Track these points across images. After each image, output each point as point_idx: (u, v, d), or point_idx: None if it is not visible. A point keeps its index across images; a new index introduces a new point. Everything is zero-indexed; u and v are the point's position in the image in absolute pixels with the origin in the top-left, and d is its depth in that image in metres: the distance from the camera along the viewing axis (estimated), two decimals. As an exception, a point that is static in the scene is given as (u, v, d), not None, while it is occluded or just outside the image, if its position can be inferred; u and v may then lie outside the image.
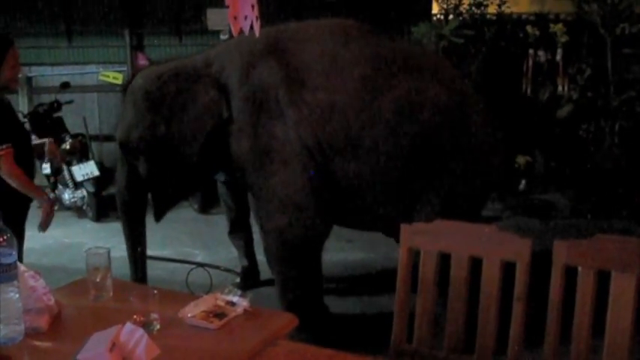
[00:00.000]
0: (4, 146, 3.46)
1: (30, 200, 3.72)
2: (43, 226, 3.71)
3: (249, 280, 5.18)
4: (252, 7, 2.61)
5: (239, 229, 5.31)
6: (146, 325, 2.11)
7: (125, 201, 4.61)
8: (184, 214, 7.58)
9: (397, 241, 4.44)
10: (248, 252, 5.32)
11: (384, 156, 3.96)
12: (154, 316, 2.19)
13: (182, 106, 4.22)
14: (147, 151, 4.34)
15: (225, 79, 4.23)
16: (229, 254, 5.73)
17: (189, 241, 6.53)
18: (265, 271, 5.12)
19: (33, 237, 6.29)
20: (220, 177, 5.32)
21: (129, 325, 2.00)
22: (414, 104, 3.96)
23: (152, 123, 4.27)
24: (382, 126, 3.94)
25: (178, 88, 4.25)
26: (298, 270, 4.21)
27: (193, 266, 4.75)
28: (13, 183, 3.45)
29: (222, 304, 2.33)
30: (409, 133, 3.94)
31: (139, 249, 4.61)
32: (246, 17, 2.61)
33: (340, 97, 3.98)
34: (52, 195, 4.10)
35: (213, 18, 7.43)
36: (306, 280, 4.25)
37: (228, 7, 2.60)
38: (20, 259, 2.37)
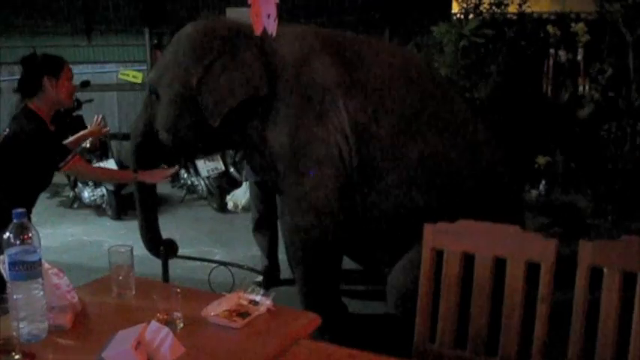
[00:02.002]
0: (69, 157, 3.57)
1: (36, 195, 3.75)
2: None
3: (269, 279, 5.18)
4: (276, 5, 2.61)
5: (264, 228, 5.31)
6: (169, 324, 2.11)
7: (138, 143, 4.49)
8: (203, 213, 7.64)
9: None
10: (271, 251, 5.32)
11: (398, 200, 3.94)
12: (177, 314, 2.19)
13: (222, 67, 4.07)
14: (170, 99, 4.25)
15: (275, 59, 4.10)
16: (248, 252, 5.75)
17: (209, 239, 6.56)
18: (285, 270, 5.13)
19: (53, 235, 6.44)
20: (251, 176, 5.33)
21: (154, 324, 2.00)
22: (438, 164, 3.93)
23: (186, 73, 4.15)
24: (406, 172, 3.92)
25: (224, 49, 4.11)
26: (318, 270, 4.20)
27: (215, 265, 4.74)
28: (98, 179, 3.63)
29: (245, 303, 2.33)
30: (426, 189, 3.92)
31: (150, 203, 4.58)
32: (269, 16, 2.61)
33: (379, 127, 3.93)
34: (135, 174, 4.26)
35: (233, 17, 7.44)
36: (326, 280, 4.24)
37: (250, 5, 2.59)
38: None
